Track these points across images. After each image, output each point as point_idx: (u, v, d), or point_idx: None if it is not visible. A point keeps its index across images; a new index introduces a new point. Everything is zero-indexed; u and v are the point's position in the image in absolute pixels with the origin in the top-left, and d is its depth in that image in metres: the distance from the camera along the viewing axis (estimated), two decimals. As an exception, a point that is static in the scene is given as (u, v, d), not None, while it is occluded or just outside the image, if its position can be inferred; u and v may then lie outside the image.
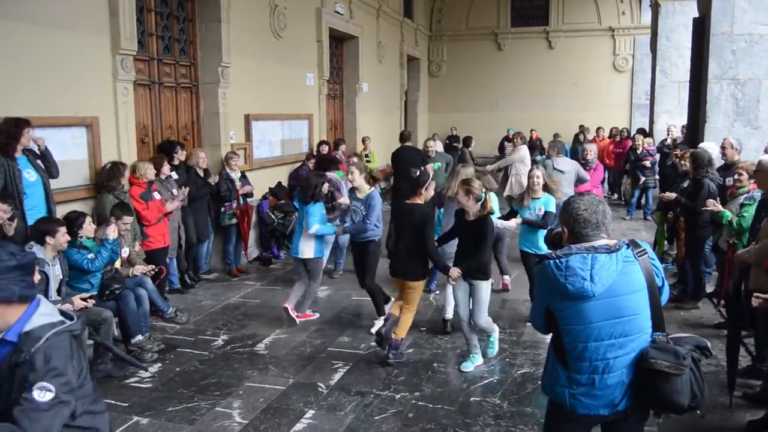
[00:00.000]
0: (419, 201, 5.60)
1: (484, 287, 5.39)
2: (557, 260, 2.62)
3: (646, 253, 2.67)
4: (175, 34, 8.23)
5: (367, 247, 6.55)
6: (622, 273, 2.59)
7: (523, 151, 11.34)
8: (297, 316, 6.53)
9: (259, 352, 5.95)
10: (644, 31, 17.57)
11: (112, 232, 5.73)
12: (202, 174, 8.07)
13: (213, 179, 8.18)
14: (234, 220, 8.58)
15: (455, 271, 5.32)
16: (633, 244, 2.69)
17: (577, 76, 19.27)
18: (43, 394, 2.11)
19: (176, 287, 7.72)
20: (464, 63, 20.18)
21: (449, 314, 6.43)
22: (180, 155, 7.76)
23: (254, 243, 9.46)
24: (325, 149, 10.81)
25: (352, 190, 6.72)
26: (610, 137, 15.49)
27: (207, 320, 6.84)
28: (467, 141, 14.84)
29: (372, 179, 10.24)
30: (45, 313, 2.28)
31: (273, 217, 9.47)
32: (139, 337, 5.79)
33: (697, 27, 8.70)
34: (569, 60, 19.34)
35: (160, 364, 5.64)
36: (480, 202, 5.28)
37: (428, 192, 5.66)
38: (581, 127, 17.30)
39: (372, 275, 6.56)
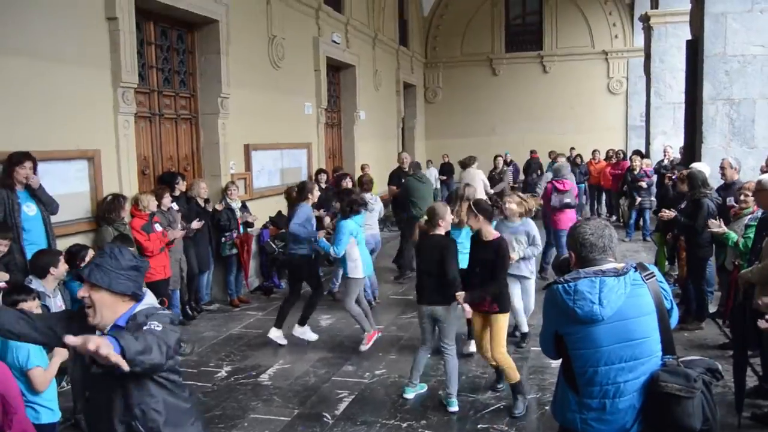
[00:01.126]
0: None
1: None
2: (565, 284, 2.63)
3: (654, 276, 2.68)
4: (174, 67, 8.31)
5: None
6: (630, 296, 2.59)
7: (468, 174, 11.30)
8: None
9: (263, 382, 5.91)
10: (637, 54, 17.75)
11: None
12: (203, 204, 8.08)
13: (219, 206, 8.22)
14: (234, 250, 8.57)
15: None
16: (641, 267, 2.70)
17: (573, 99, 19.42)
18: (155, 324, 2.40)
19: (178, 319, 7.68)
20: (460, 89, 20.35)
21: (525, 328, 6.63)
22: (181, 186, 7.79)
23: (255, 273, 9.45)
24: (323, 177, 10.85)
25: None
26: (606, 159, 15.57)
27: (209, 351, 6.80)
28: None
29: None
30: (148, 303, 2.62)
31: (273, 246, 9.46)
32: (142, 370, 5.72)
33: (690, 49, 8.81)
34: (564, 83, 19.52)
35: (163, 397, 5.58)
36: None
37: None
38: (571, 149, 17.40)
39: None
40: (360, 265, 6.74)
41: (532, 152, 17.17)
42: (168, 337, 2.38)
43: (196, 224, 7.62)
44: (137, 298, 2.59)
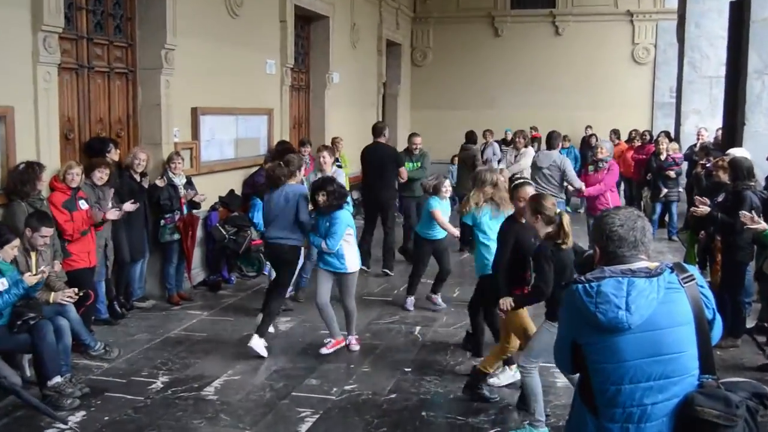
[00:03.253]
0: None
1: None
2: (587, 285, 2.64)
3: (694, 279, 2.70)
4: (109, 9, 8.17)
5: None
6: (664, 302, 2.61)
7: (529, 154, 11.50)
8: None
9: (208, 397, 5.88)
10: (669, 16, 17.85)
11: (31, 278, 5.65)
12: (138, 179, 7.98)
13: (159, 181, 8.12)
14: (176, 236, 8.50)
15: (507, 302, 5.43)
16: (678, 267, 2.72)
17: (589, 68, 19.48)
18: None
19: (104, 317, 7.61)
20: (454, 51, 20.31)
21: None
22: (113, 155, 7.70)
23: (200, 264, 9.40)
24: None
25: None
26: (628, 141, 15.67)
27: (142, 358, 6.75)
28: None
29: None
30: None
31: (223, 232, 9.39)
32: (58, 379, 5.67)
33: (734, 13, 8.88)
34: (579, 49, 19.56)
35: (84, 413, 5.52)
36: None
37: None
38: (586, 128, 17.47)
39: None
40: (357, 257, 7.13)
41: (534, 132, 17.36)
42: None
43: (129, 206, 7.48)
44: None
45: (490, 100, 20.07)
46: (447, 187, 8.18)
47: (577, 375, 2.93)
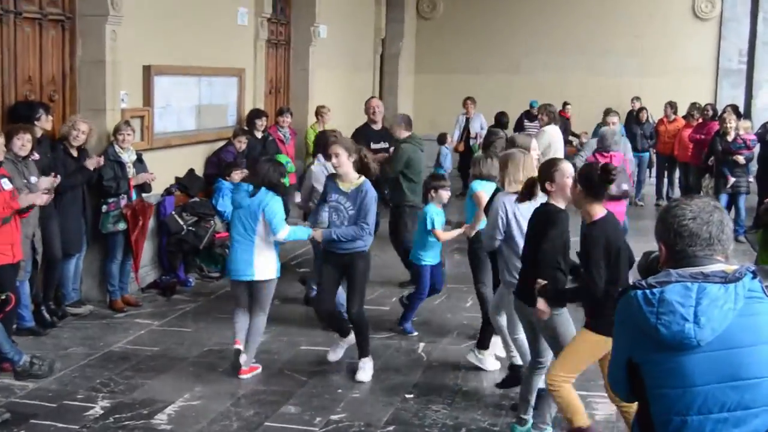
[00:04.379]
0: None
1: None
2: (648, 291, 2.62)
3: (781, 286, 2.70)
4: (39, -62, 8.17)
5: (355, 261, 6.83)
6: (743, 314, 2.59)
7: (548, 134, 11.43)
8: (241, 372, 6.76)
9: (160, 426, 5.88)
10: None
11: None
12: (75, 153, 7.97)
13: (92, 162, 8.05)
14: (121, 225, 8.49)
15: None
16: (763, 273, 2.72)
17: (639, 25, 19.44)
18: None
19: (28, 325, 7.62)
20: (471, 0, 20.31)
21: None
22: (44, 123, 7.68)
23: (150, 261, 9.41)
24: (262, 123, 10.89)
25: (332, 178, 7.00)
26: (686, 117, 15.67)
27: (77, 377, 6.75)
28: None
29: None
30: None
31: (180, 222, 9.40)
32: (-27, 401, 5.67)
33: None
34: (627, 1, 19.56)
35: (4, 444, 5.54)
36: None
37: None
38: (634, 101, 17.43)
39: (361, 300, 6.92)
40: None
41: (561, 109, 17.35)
42: None
43: (45, 181, 7.38)
44: None
45: (515, 63, 20.04)
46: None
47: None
